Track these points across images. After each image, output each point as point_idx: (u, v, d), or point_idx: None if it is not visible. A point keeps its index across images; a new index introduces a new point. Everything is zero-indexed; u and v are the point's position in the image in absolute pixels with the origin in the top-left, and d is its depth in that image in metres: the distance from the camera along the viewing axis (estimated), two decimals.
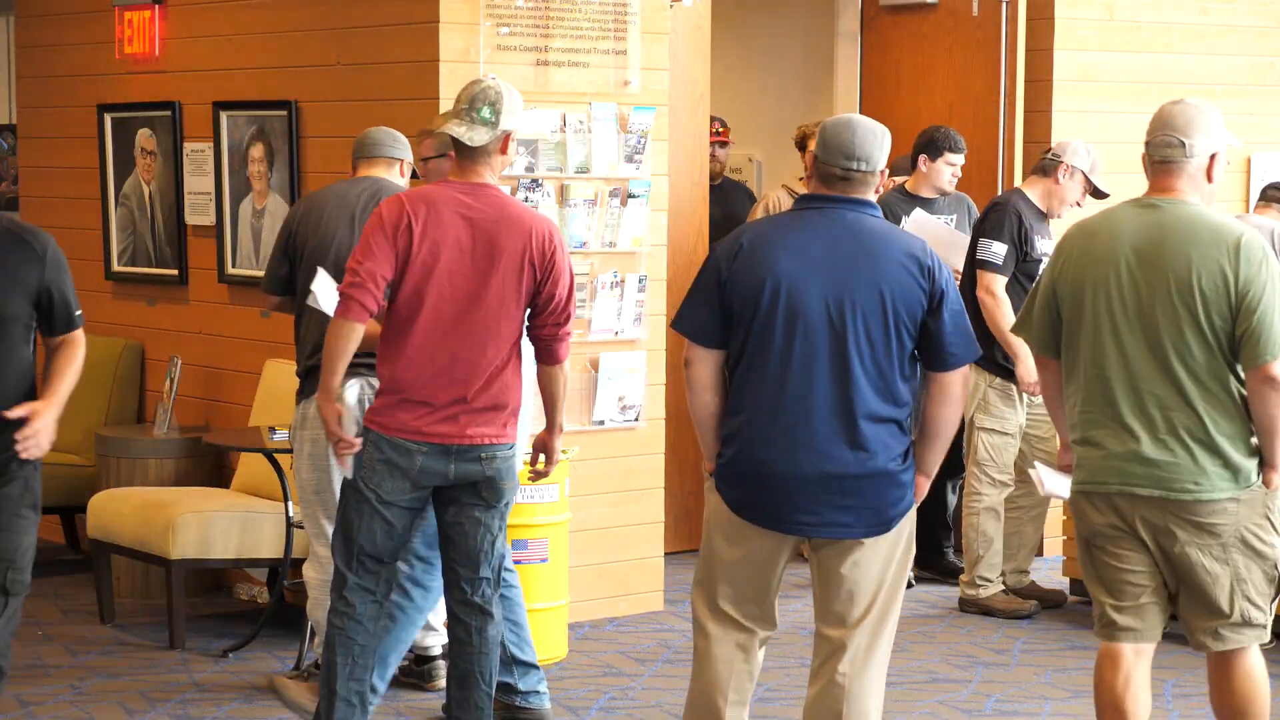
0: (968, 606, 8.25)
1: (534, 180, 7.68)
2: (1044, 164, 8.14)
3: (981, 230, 8.03)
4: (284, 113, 8.17)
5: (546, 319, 5.72)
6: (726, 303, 5.14)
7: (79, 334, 5.47)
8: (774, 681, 7.16)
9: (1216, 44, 9.82)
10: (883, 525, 5.15)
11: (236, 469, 8.19)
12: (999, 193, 8.76)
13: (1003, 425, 8.09)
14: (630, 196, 7.94)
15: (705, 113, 8.94)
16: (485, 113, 5.78)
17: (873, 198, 5.20)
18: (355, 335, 5.56)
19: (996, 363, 8.02)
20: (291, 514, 7.43)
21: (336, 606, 5.76)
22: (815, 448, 5.08)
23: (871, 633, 5.23)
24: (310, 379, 6.46)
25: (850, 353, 5.05)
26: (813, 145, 9.00)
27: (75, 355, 5.44)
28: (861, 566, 5.18)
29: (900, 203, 8.48)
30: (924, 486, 5.22)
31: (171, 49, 8.81)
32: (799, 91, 10.48)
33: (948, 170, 8.51)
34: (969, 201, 8.73)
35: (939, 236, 8.33)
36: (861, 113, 9.92)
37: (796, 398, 5.08)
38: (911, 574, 8.56)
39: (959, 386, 5.17)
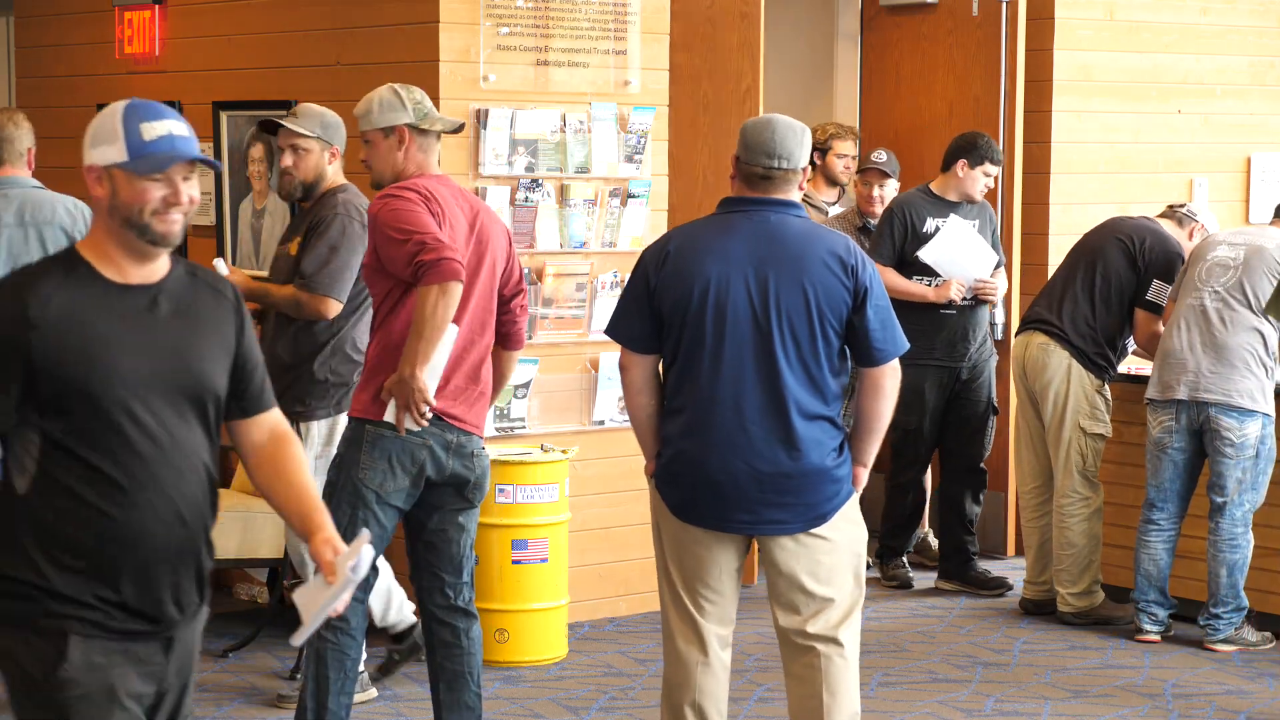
0: (1079, 619, 8.00)
1: (534, 180, 7.68)
2: (1179, 216, 8.15)
3: (1157, 272, 7.91)
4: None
5: (517, 298, 5.85)
6: (656, 308, 5.22)
7: (280, 416, 4.13)
8: (774, 682, 7.15)
9: (1216, 44, 9.82)
10: (819, 519, 5.22)
11: (236, 469, 8.19)
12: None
13: (1106, 429, 8.03)
14: (630, 196, 7.94)
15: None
16: (430, 106, 5.88)
17: (796, 197, 5.23)
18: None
19: (1100, 365, 7.98)
20: None
21: (328, 622, 5.69)
22: (748, 448, 5.14)
23: (838, 617, 5.25)
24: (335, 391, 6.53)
25: (777, 352, 5.12)
26: (838, 148, 9.11)
27: (300, 454, 4.17)
28: (804, 557, 5.24)
29: (926, 204, 8.40)
30: (861, 476, 5.30)
31: (171, 49, 8.82)
32: (799, 92, 10.47)
33: (983, 180, 8.42)
34: (990, 210, 8.64)
35: (973, 247, 8.34)
36: (862, 113, 9.94)
37: (728, 399, 5.15)
38: (949, 585, 8.65)
39: (888, 380, 5.24)
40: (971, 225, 8.40)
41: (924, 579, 8.82)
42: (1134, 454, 8.06)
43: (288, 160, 6.65)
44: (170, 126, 3.70)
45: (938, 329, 8.41)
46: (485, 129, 7.57)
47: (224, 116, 8.47)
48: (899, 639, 7.86)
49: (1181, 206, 8.27)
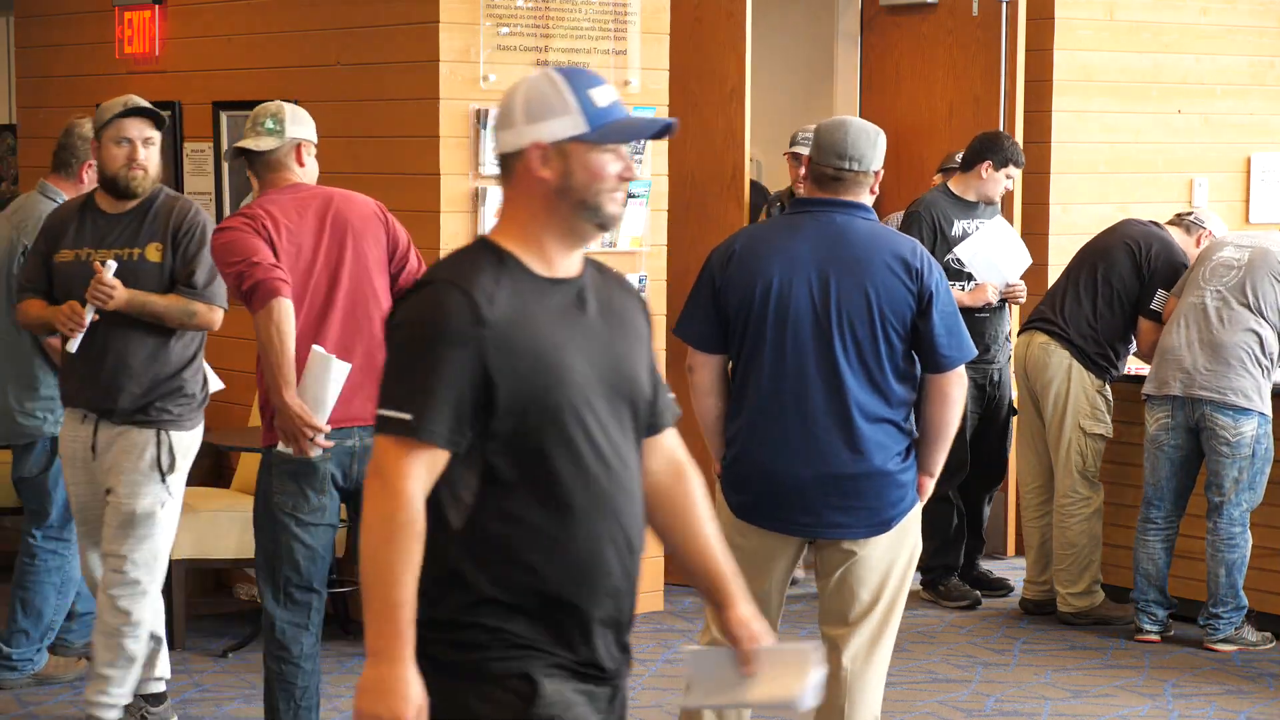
0: (1079, 619, 8.00)
1: None
2: (1187, 224, 8.14)
3: (1161, 281, 7.90)
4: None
5: (404, 272, 5.89)
6: (722, 308, 5.18)
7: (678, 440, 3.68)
8: None
9: (1216, 44, 9.82)
10: (882, 525, 5.16)
11: (236, 469, 8.19)
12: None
13: (1107, 430, 8.02)
14: (630, 196, 7.91)
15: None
16: (269, 124, 5.83)
17: (867, 200, 5.20)
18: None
19: (1102, 366, 7.98)
20: None
21: (271, 651, 5.66)
22: (811, 449, 5.10)
23: (874, 630, 5.24)
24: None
25: (837, 354, 5.08)
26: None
27: (701, 494, 3.71)
28: (862, 565, 5.19)
29: (951, 205, 8.28)
30: (927, 486, 5.23)
31: (171, 49, 8.81)
32: (799, 92, 10.47)
33: (1005, 182, 8.29)
34: (999, 213, 8.53)
35: (1010, 249, 8.25)
36: (861, 113, 9.92)
37: (792, 400, 5.11)
38: (978, 593, 8.50)
39: (954, 388, 5.17)
40: (1008, 224, 8.34)
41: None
42: (1134, 454, 8.05)
43: (142, 154, 6.22)
44: (613, 92, 3.34)
45: (971, 334, 8.26)
46: (485, 129, 7.57)
47: (224, 116, 8.47)
48: (899, 639, 7.81)
49: (1189, 214, 8.28)
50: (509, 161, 3.32)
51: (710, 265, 5.25)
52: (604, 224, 3.32)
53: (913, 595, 8.52)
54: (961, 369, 5.17)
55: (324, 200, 5.79)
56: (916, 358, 5.18)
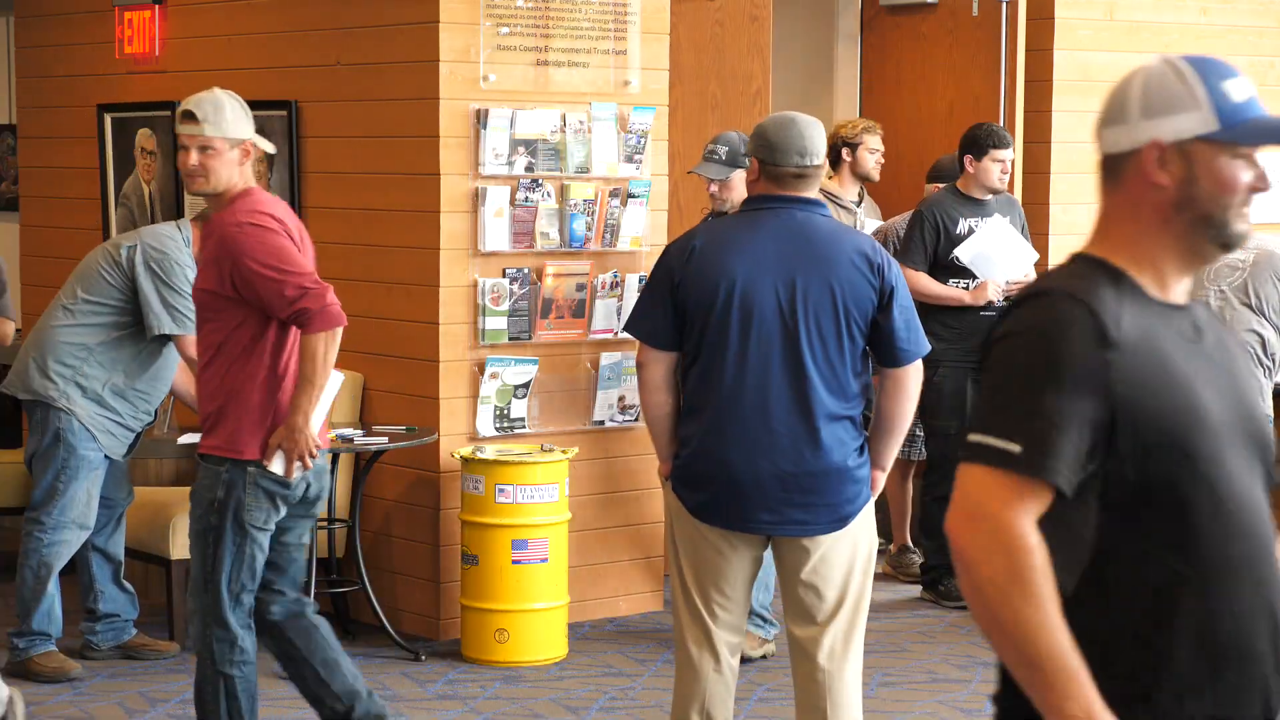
0: None
1: (534, 180, 7.68)
2: None
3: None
4: (284, 113, 8.17)
5: None
6: (680, 305, 5.19)
7: None
8: (774, 681, 7.15)
9: (1216, 44, 9.81)
10: (840, 521, 5.20)
11: None
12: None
13: None
14: (630, 196, 7.94)
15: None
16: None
17: (818, 195, 5.25)
18: None
19: None
20: None
21: (230, 658, 5.64)
22: (774, 447, 5.13)
23: (845, 628, 5.26)
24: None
25: (804, 351, 5.10)
26: (869, 143, 8.87)
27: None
28: (825, 563, 5.22)
29: (957, 204, 8.27)
30: (879, 480, 5.29)
31: (171, 49, 8.81)
32: (799, 92, 10.47)
33: (995, 168, 8.21)
34: (1018, 204, 8.53)
35: (1010, 247, 8.24)
36: (861, 113, 9.93)
37: (753, 398, 5.13)
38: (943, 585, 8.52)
39: (912, 382, 5.22)
40: (1008, 223, 8.29)
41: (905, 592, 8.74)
42: None
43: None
44: (1250, 85, 2.83)
45: (976, 331, 8.19)
46: (485, 129, 7.57)
47: None
48: (899, 639, 7.86)
49: None
50: (1117, 163, 2.85)
51: (668, 261, 5.28)
52: (1229, 244, 2.83)
53: (910, 595, 8.55)
54: (919, 364, 5.23)
55: (293, 216, 5.83)
56: (872, 353, 5.23)
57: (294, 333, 5.54)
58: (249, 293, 5.45)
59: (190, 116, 5.53)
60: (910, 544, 9.02)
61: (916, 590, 8.61)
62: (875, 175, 8.99)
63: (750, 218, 5.26)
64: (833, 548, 5.21)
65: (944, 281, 8.26)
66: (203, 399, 5.61)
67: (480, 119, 7.57)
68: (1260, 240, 7.75)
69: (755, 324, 5.11)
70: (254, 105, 8.27)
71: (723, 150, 7.18)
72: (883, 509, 9.31)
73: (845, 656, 5.26)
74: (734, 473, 5.15)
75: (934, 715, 6.82)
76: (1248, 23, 9.91)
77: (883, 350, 5.19)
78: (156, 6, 8.82)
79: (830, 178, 9.02)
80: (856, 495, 5.20)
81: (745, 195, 6.85)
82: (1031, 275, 8.25)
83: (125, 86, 9.01)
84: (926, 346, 5.26)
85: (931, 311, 8.04)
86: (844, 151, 8.91)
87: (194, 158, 5.51)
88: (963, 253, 8.19)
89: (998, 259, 8.22)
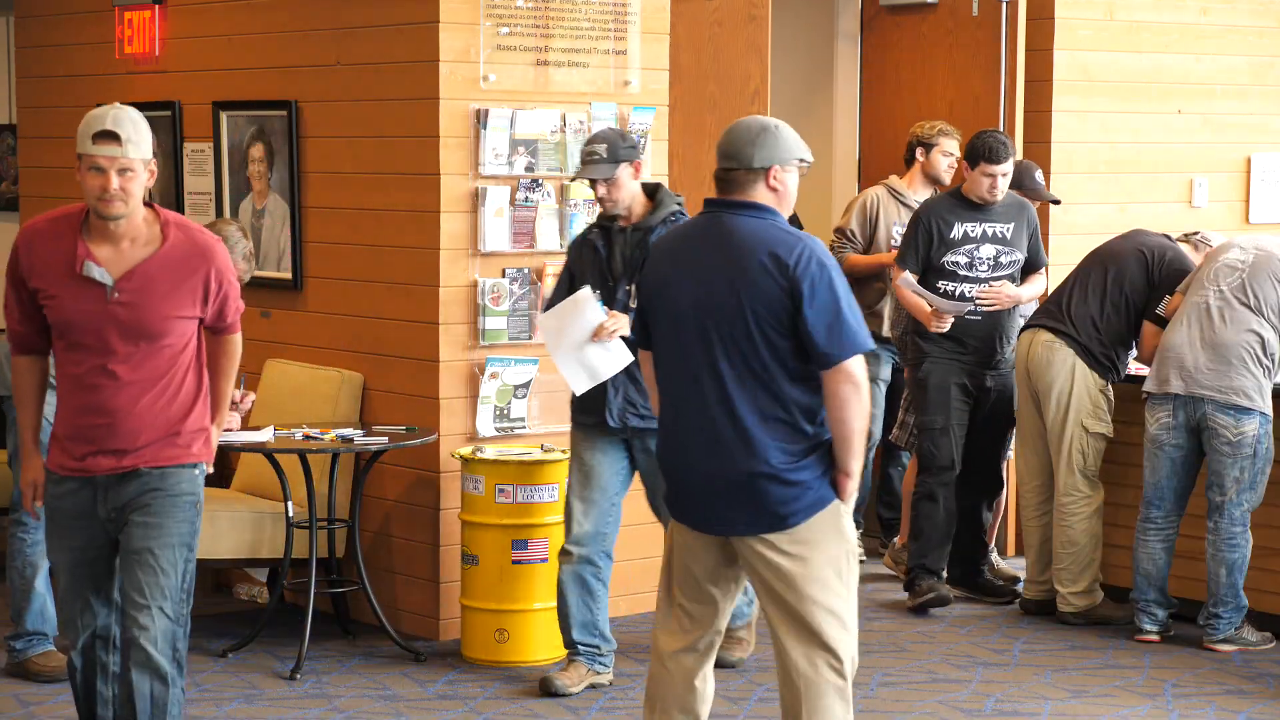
0: (1079, 619, 7.99)
1: (534, 180, 7.68)
2: (1194, 242, 8.14)
3: (1169, 287, 7.87)
4: (284, 113, 8.17)
5: None
6: (641, 307, 5.34)
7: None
8: (774, 681, 7.13)
9: (1216, 44, 9.82)
10: (777, 521, 5.11)
11: (236, 469, 8.19)
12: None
13: (1108, 429, 8.02)
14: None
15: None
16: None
17: (764, 197, 5.14)
18: None
19: (1105, 366, 7.97)
20: (291, 514, 7.44)
21: (172, 658, 5.42)
22: (703, 446, 5.14)
23: (813, 635, 5.16)
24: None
25: (716, 354, 5.10)
26: (944, 145, 8.77)
27: None
28: (773, 563, 5.15)
29: (955, 208, 8.16)
30: (843, 484, 5.14)
31: (171, 49, 8.81)
32: (800, 91, 10.47)
33: (985, 181, 8.09)
34: (1030, 209, 8.32)
35: (936, 305, 8.10)
36: (861, 113, 9.94)
37: (686, 398, 5.18)
38: (952, 592, 8.45)
39: (841, 385, 5.05)
40: (992, 227, 8.11)
41: (961, 602, 8.68)
42: (1134, 454, 8.06)
43: None
44: None
45: (966, 331, 8.16)
46: (485, 129, 7.57)
47: (224, 116, 8.48)
48: (899, 639, 7.86)
49: (1196, 233, 8.29)
50: None
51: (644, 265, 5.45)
52: None
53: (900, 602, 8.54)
54: (850, 367, 5.03)
55: None
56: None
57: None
58: (214, 309, 5.44)
59: (112, 137, 5.24)
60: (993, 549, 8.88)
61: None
62: (947, 178, 8.91)
63: (691, 221, 5.35)
64: (781, 549, 5.13)
65: (934, 284, 8.15)
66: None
67: (480, 119, 7.57)
68: (1260, 241, 7.76)
69: (681, 327, 5.15)
70: (254, 105, 8.35)
71: (601, 149, 6.83)
72: (894, 506, 9.30)
73: (817, 665, 5.16)
74: (677, 470, 5.23)
75: (934, 715, 6.82)
76: (1248, 23, 9.91)
77: (809, 352, 5.06)
78: (156, 6, 8.82)
79: (901, 176, 9.02)
80: (795, 499, 5.09)
81: (636, 193, 6.86)
82: (1010, 287, 8.16)
83: (125, 86, 9.01)
84: (856, 349, 5.04)
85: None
86: (918, 151, 8.88)
87: (115, 181, 5.24)
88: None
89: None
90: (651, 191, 6.96)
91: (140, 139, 5.28)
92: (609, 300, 6.89)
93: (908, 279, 8.15)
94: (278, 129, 8.22)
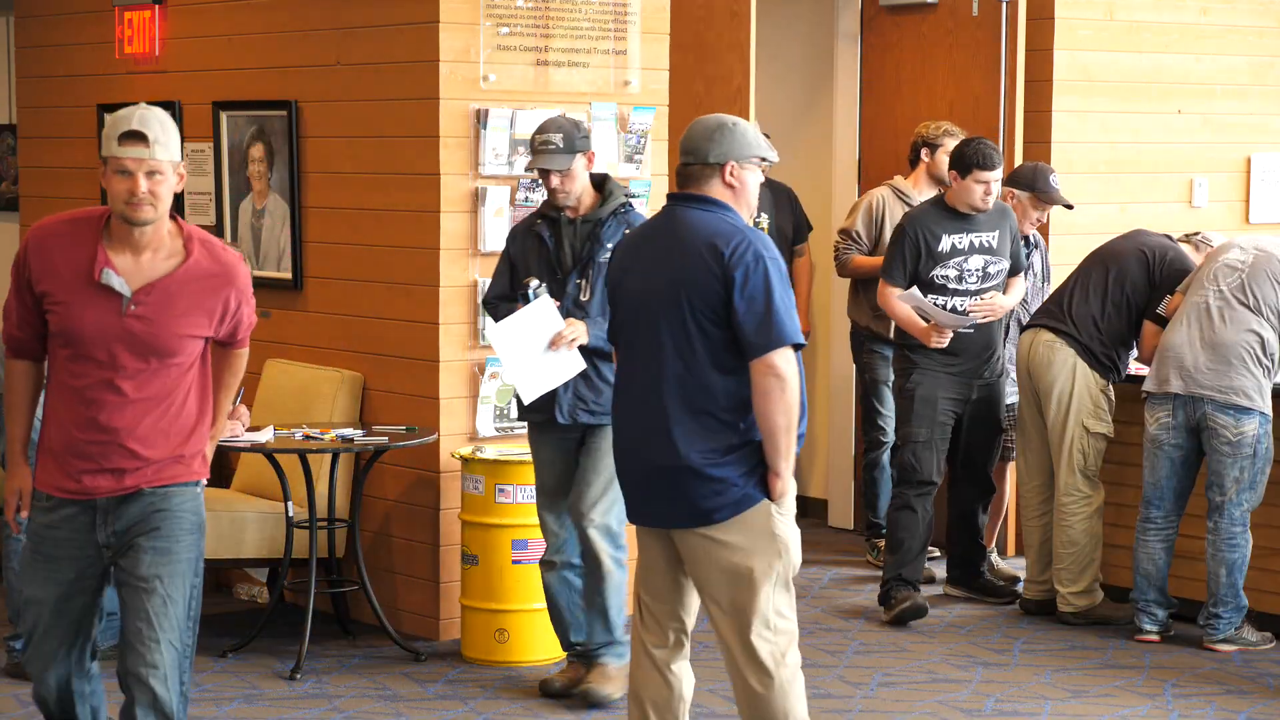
0: (1079, 619, 7.97)
1: (534, 180, 7.68)
2: (1195, 243, 8.13)
3: (1170, 287, 7.86)
4: (284, 113, 8.17)
5: None
6: (608, 301, 5.47)
7: None
8: None
9: (1216, 44, 9.82)
10: (701, 516, 5.11)
11: (236, 469, 8.20)
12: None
13: (1108, 429, 8.01)
14: (631, 196, 7.93)
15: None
16: None
17: (718, 192, 5.15)
18: None
19: (1106, 365, 7.96)
20: (291, 514, 7.44)
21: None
22: (640, 438, 5.19)
23: (741, 638, 5.15)
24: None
25: (658, 345, 5.12)
26: (949, 146, 8.54)
27: None
28: (695, 561, 5.17)
29: (940, 219, 7.95)
30: (773, 484, 5.10)
31: (171, 49, 8.81)
32: (799, 91, 10.47)
33: (978, 189, 7.89)
34: (1013, 216, 8.15)
35: (936, 318, 7.93)
36: (861, 113, 9.93)
37: (629, 390, 5.23)
38: (956, 591, 8.44)
39: (764, 379, 5.01)
40: (978, 237, 7.94)
41: (961, 603, 8.70)
42: (1134, 454, 8.06)
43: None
44: None
45: (957, 344, 7.98)
46: (485, 129, 7.57)
47: (224, 116, 8.48)
48: (899, 639, 7.86)
49: (1197, 234, 8.29)
50: None
51: None
52: None
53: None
54: (774, 360, 4.99)
55: None
56: None
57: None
58: (228, 329, 5.18)
59: (138, 138, 4.94)
60: (934, 549, 8.87)
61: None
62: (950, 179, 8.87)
63: (653, 216, 5.42)
64: (709, 545, 5.12)
65: (924, 297, 7.93)
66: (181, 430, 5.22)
67: (480, 119, 7.57)
68: (1260, 241, 7.76)
69: (634, 319, 5.21)
70: (254, 105, 8.35)
71: (557, 139, 6.67)
72: None
73: (753, 667, 5.13)
74: (621, 460, 5.28)
75: (934, 715, 6.82)
76: (1248, 23, 9.91)
77: (738, 344, 5.05)
78: (156, 6, 8.82)
79: (905, 177, 9.00)
80: (717, 494, 5.07)
81: (587, 185, 6.76)
82: (1001, 297, 8.02)
83: (125, 86, 9.01)
84: (783, 341, 5.00)
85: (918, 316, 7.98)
86: (923, 152, 8.82)
87: (143, 184, 4.93)
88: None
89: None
90: (599, 183, 6.85)
91: (168, 140, 4.96)
92: (559, 293, 6.77)
93: (913, 293, 7.94)
94: (278, 129, 8.22)
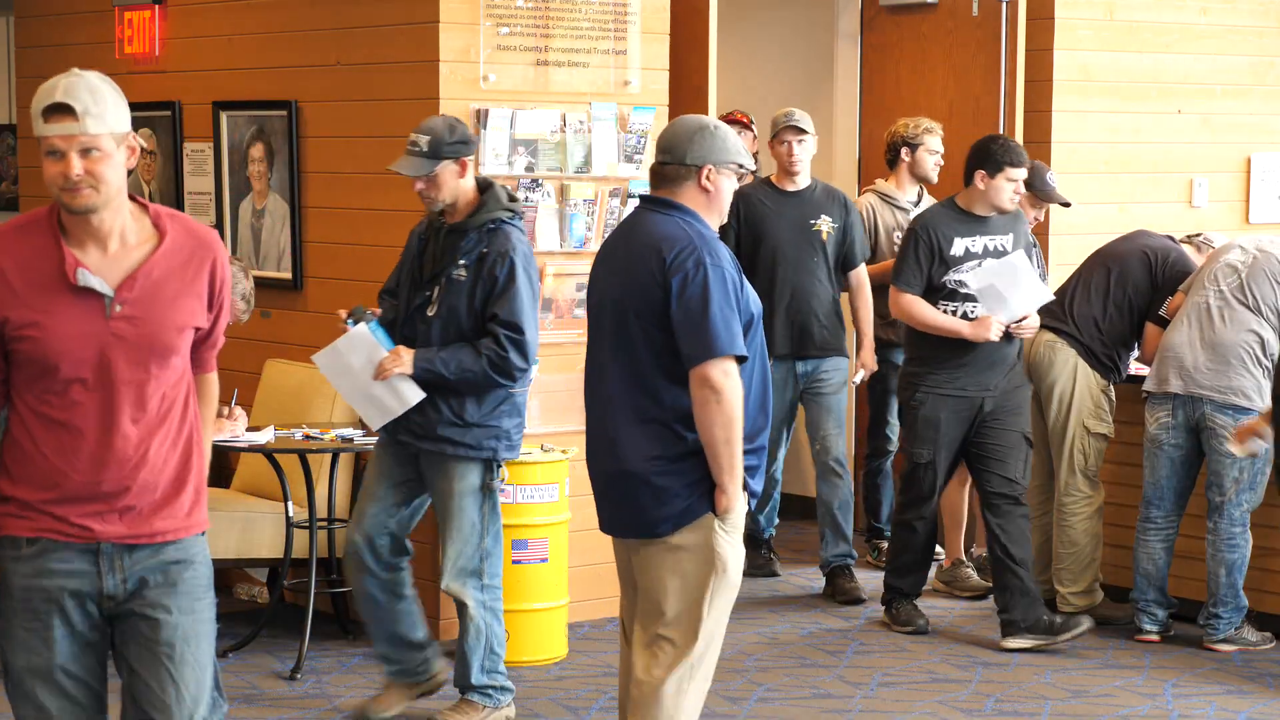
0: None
1: (534, 180, 7.68)
2: (1197, 244, 8.14)
3: (1171, 289, 7.85)
4: (284, 113, 8.17)
5: None
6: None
7: None
8: (774, 682, 7.16)
9: (1216, 44, 9.82)
10: (647, 527, 5.05)
11: (236, 469, 8.19)
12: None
13: (1109, 430, 8.00)
14: (630, 196, 7.94)
15: (704, 107, 8.72)
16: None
17: (691, 195, 5.07)
18: None
19: (1107, 366, 7.95)
20: (291, 514, 7.44)
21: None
22: (595, 445, 5.19)
23: (668, 649, 5.08)
24: None
25: (612, 351, 5.09)
26: (929, 143, 8.59)
27: None
28: (643, 570, 5.13)
29: (954, 222, 7.67)
30: (718, 499, 5.00)
31: (171, 49, 8.82)
32: (799, 92, 10.47)
33: (1009, 187, 7.58)
34: (1025, 220, 7.94)
35: (1025, 285, 7.60)
36: (862, 113, 9.93)
37: (593, 395, 5.21)
38: (924, 621, 8.38)
39: (699, 389, 4.90)
40: (995, 239, 7.68)
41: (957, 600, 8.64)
42: (1134, 454, 8.06)
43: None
44: None
45: (961, 359, 7.65)
46: (485, 129, 7.57)
47: (224, 116, 8.48)
48: (899, 639, 7.86)
49: (1199, 235, 8.30)
50: None
51: None
52: None
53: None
54: (708, 372, 4.89)
55: None
56: None
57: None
58: (213, 316, 4.40)
59: (64, 110, 4.19)
60: (964, 558, 8.72)
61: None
62: (934, 177, 8.82)
63: (625, 218, 5.35)
64: (655, 556, 5.07)
65: (934, 305, 7.68)
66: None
67: (480, 119, 7.57)
68: (1261, 241, 7.76)
69: (595, 323, 5.19)
70: (254, 105, 8.35)
71: (424, 141, 6.35)
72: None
73: (667, 680, 5.07)
74: (589, 469, 5.26)
75: (934, 715, 6.82)
76: (1248, 23, 9.91)
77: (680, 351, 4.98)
78: (156, 6, 8.82)
79: (887, 178, 8.98)
80: (662, 505, 5.00)
81: (460, 191, 6.39)
82: (1034, 318, 7.71)
83: (125, 86, 8.88)
84: (717, 351, 4.88)
85: (922, 334, 7.73)
86: (903, 151, 8.80)
87: (76, 165, 4.12)
88: (971, 280, 7.57)
89: (1009, 295, 7.57)
90: (482, 190, 6.45)
91: (101, 110, 4.15)
92: (404, 306, 6.47)
93: (922, 303, 7.65)
94: (278, 129, 8.22)
